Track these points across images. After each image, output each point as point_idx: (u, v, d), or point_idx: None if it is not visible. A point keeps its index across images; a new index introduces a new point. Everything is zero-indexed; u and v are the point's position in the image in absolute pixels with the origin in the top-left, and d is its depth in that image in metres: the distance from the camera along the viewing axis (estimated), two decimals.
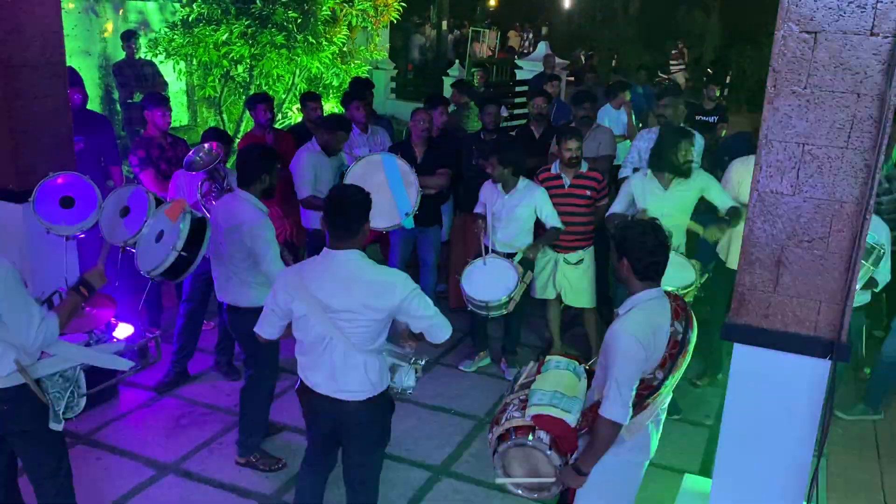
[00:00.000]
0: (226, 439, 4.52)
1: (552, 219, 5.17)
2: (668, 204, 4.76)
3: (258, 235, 3.86)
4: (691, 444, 4.61)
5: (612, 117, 7.65)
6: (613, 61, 16.86)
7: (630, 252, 2.90)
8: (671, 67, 15.15)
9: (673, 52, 15.64)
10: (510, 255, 5.13)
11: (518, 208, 5.15)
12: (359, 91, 6.71)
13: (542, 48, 13.90)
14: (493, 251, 5.18)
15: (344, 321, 3.01)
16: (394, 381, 3.31)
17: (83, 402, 3.31)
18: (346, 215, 3.05)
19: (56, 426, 3.11)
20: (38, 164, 4.37)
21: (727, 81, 16.32)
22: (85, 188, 4.38)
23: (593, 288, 5.53)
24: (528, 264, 5.12)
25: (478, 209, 5.38)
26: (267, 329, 3.22)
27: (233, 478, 4.15)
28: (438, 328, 3.12)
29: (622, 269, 2.95)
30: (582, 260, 5.42)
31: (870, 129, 2.69)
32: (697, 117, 7.72)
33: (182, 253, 3.75)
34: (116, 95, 9.00)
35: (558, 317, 5.69)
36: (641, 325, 2.82)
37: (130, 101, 8.24)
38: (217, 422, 4.71)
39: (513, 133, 7.24)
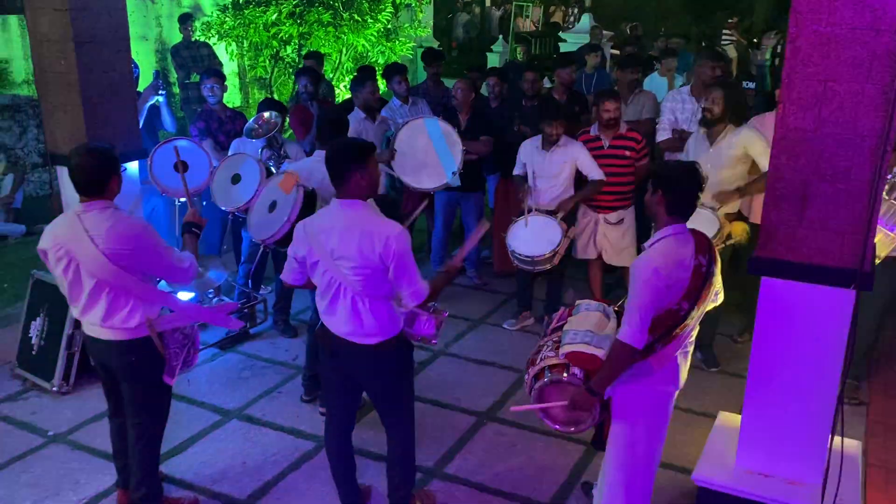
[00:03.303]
0: (284, 389, 4.82)
1: (594, 171, 5.31)
2: (712, 159, 4.83)
3: None
4: (731, 393, 4.72)
5: (657, 84, 7.72)
6: (660, 33, 16.66)
7: (666, 186, 3.03)
8: (723, 39, 14.90)
9: (728, 21, 15.34)
10: (553, 213, 5.30)
11: (559, 164, 5.31)
12: (432, 58, 7.18)
13: (586, 20, 13.88)
14: (536, 209, 5.35)
15: (346, 268, 3.14)
16: (411, 329, 3.42)
17: (197, 358, 3.58)
18: (333, 166, 3.19)
19: (169, 380, 3.39)
20: (106, 134, 4.70)
21: (777, 50, 15.97)
22: (198, 155, 4.74)
23: (634, 247, 5.65)
24: (570, 220, 5.28)
25: (517, 171, 5.55)
26: (289, 275, 3.40)
27: (291, 422, 4.45)
28: (415, 289, 3.15)
29: (653, 203, 3.07)
30: (622, 220, 5.55)
31: (889, 64, 2.78)
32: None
33: (295, 223, 3.96)
34: (174, 77, 9.38)
35: (600, 276, 5.83)
36: (664, 255, 2.96)
37: (188, 81, 8.61)
38: (276, 374, 5.02)
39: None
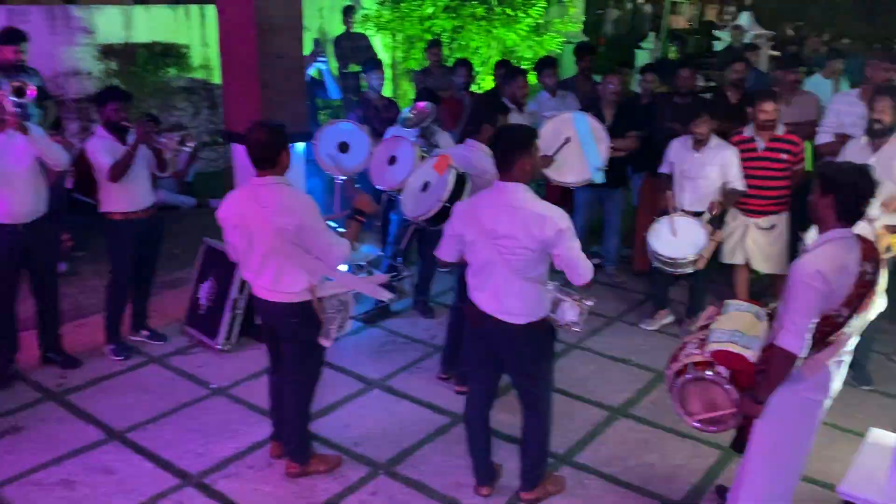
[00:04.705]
0: (423, 365, 5.04)
1: (736, 180, 5.17)
2: (875, 168, 4.58)
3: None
4: (883, 413, 4.48)
5: (819, 86, 7.33)
6: (826, 34, 15.69)
7: (837, 189, 2.92)
8: None
9: None
10: (698, 214, 5.20)
11: (708, 167, 5.20)
12: (583, 52, 7.26)
13: (745, 19, 13.31)
14: (682, 210, 5.27)
15: (504, 247, 3.27)
16: (555, 314, 3.51)
17: (349, 324, 3.87)
18: (499, 149, 3.35)
19: (326, 342, 3.68)
20: (278, 115, 5.05)
21: None
22: (359, 136, 5.06)
23: (786, 255, 5.43)
24: (716, 222, 5.15)
25: (663, 169, 5.48)
26: (444, 252, 3.59)
27: (429, 397, 4.65)
28: (579, 269, 3.29)
29: (821, 206, 2.96)
30: (774, 226, 5.36)
31: None
32: None
33: (446, 204, 4.16)
34: (333, 67, 9.89)
35: (746, 283, 5.65)
36: (828, 259, 2.87)
37: (346, 71, 9.06)
38: (415, 351, 5.25)
39: (706, 96, 7.18)
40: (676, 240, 5.11)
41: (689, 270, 5.16)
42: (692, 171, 5.26)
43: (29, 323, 4.84)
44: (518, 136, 3.35)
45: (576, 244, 3.28)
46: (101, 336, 5.05)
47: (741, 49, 8.98)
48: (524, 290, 3.33)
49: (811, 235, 3.46)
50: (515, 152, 3.29)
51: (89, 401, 4.50)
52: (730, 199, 5.23)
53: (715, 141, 5.21)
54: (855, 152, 4.74)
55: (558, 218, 3.24)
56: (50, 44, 8.34)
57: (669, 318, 5.71)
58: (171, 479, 3.82)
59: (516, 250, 3.26)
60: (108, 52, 8.78)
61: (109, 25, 9.07)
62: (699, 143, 5.22)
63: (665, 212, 5.29)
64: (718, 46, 13.24)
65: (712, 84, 10.04)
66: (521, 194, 3.30)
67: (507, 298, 3.34)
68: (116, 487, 3.74)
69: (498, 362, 3.60)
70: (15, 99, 4.19)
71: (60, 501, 3.63)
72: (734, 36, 10.59)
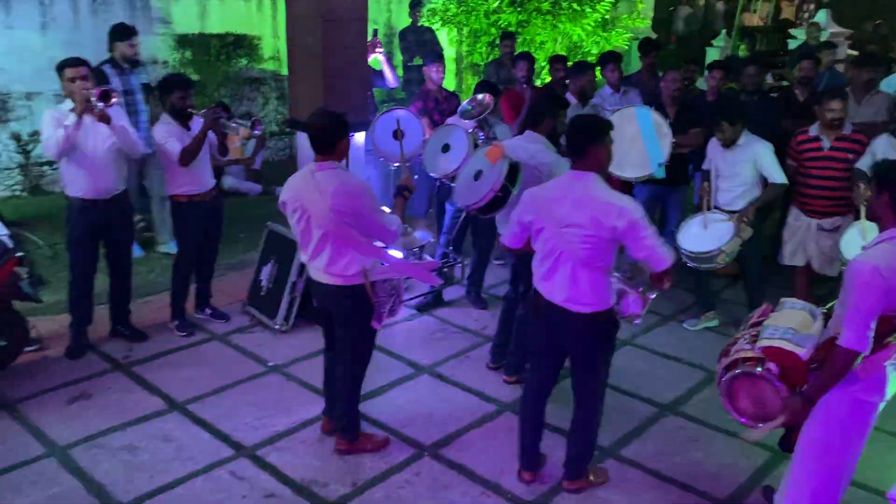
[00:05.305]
0: (473, 354, 5.10)
1: (775, 174, 5.04)
2: None
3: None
4: None
5: None
6: None
7: (893, 187, 2.89)
8: None
9: None
10: (734, 213, 5.10)
11: (739, 164, 5.10)
12: (649, 48, 7.21)
13: (822, 16, 12.87)
14: (716, 207, 5.19)
15: (573, 236, 3.29)
16: (619, 306, 3.52)
17: (400, 309, 3.97)
18: (574, 139, 3.38)
19: (376, 325, 3.79)
20: (341, 105, 5.19)
21: None
22: (414, 125, 5.18)
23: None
24: (751, 221, 5.06)
25: (705, 165, 5.42)
26: (509, 238, 3.65)
27: (477, 385, 4.71)
28: (659, 256, 3.27)
29: (878, 205, 2.94)
30: (838, 227, 5.21)
31: None
32: None
33: (498, 194, 4.20)
34: (397, 60, 10.03)
35: (806, 286, 5.52)
36: (887, 257, 2.82)
37: (410, 63, 9.17)
38: (465, 340, 5.31)
39: (774, 95, 7.03)
40: (702, 235, 5.05)
41: (714, 266, 5.06)
42: (725, 170, 5.19)
43: (101, 298, 5.11)
44: (594, 126, 3.40)
45: (650, 231, 3.26)
46: (167, 313, 5.30)
47: (816, 47, 8.71)
48: (592, 280, 3.35)
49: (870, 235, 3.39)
50: (590, 142, 3.33)
51: (154, 373, 4.72)
52: (769, 194, 5.12)
53: (745, 138, 5.10)
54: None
55: (631, 208, 3.25)
56: None
57: (714, 322, 5.62)
58: (227, 450, 3.99)
59: (585, 239, 3.28)
60: (183, 41, 9.11)
61: (186, 16, 9.42)
62: (728, 141, 5.12)
63: (700, 209, 5.24)
64: (794, 45, 12.85)
65: (783, 83, 9.80)
66: (594, 183, 3.33)
67: (574, 287, 3.36)
68: (175, 454, 3.93)
69: (561, 353, 3.64)
70: (100, 104, 4.44)
71: (123, 464, 3.84)
72: (810, 33, 10.27)
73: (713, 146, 5.32)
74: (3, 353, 4.54)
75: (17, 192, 8.01)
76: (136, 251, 6.10)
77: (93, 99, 4.40)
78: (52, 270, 5.93)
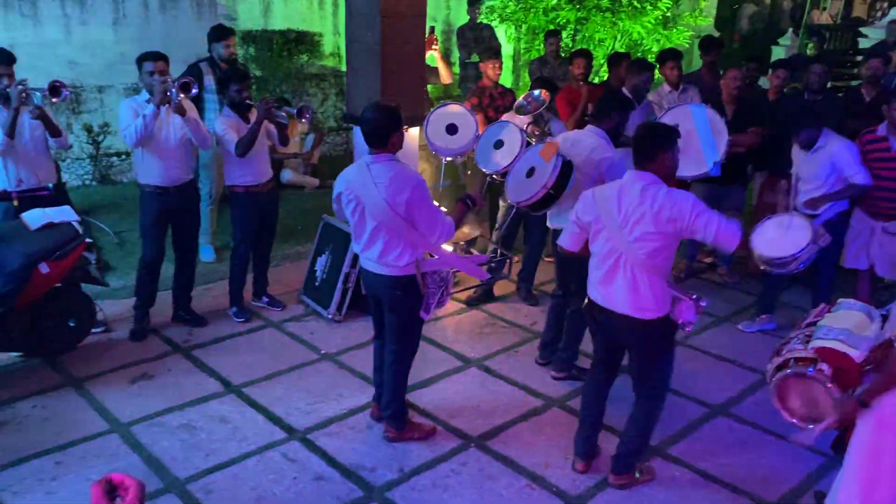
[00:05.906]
0: (521, 349, 5.12)
1: (857, 174, 4.89)
2: None
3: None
4: None
5: None
6: None
7: None
8: None
9: None
10: (814, 217, 4.97)
11: (818, 165, 4.97)
12: (710, 46, 7.06)
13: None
14: (797, 210, 5.07)
15: (634, 237, 3.29)
16: (673, 313, 3.47)
17: (448, 300, 4.03)
18: (643, 145, 3.39)
19: (425, 315, 3.86)
20: (398, 101, 5.27)
21: None
22: (467, 120, 5.24)
23: None
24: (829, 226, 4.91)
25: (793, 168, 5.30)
26: (567, 240, 3.66)
27: (525, 379, 4.74)
28: (724, 239, 3.25)
29: None
30: None
31: None
32: None
33: (550, 191, 4.23)
34: (455, 57, 10.09)
35: (869, 290, 5.36)
36: None
37: (468, 61, 9.22)
38: (515, 335, 5.34)
39: (840, 94, 6.84)
40: (779, 240, 4.90)
41: (788, 271, 4.90)
42: (803, 172, 5.07)
43: (163, 286, 5.31)
44: (664, 133, 3.42)
45: (712, 217, 3.25)
46: (226, 300, 5.47)
47: (891, 46, 8.43)
48: (653, 284, 3.35)
49: None
50: (661, 148, 3.36)
51: (212, 356, 4.89)
52: (842, 194, 4.97)
53: (824, 139, 4.96)
54: None
55: (690, 205, 3.25)
56: (196, 29, 8.98)
57: (770, 325, 5.50)
58: (279, 433, 4.11)
59: (647, 240, 3.29)
60: (247, 38, 9.35)
61: (250, 13, 9.68)
62: (807, 144, 4.99)
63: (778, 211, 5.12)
64: (866, 44, 12.45)
65: (853, 82, 9.51)
66: (654, 184, 3.34)
67: (633, 293, 3.37)
68: (230, 435, 4.07)
69: (621, 348, 3.68)
70: (181, 95, 4.65)
71: (180, 443, 3.99)
72: (891, 31, 9.91)
73: (795, 148, 5.21)
74: (73, 333, 4.78)
75: (88, 182, 8.36)
76: (209, 254, 6.31)
77: (172, 91, 4.59)
78: (118, 256, 6.19)
